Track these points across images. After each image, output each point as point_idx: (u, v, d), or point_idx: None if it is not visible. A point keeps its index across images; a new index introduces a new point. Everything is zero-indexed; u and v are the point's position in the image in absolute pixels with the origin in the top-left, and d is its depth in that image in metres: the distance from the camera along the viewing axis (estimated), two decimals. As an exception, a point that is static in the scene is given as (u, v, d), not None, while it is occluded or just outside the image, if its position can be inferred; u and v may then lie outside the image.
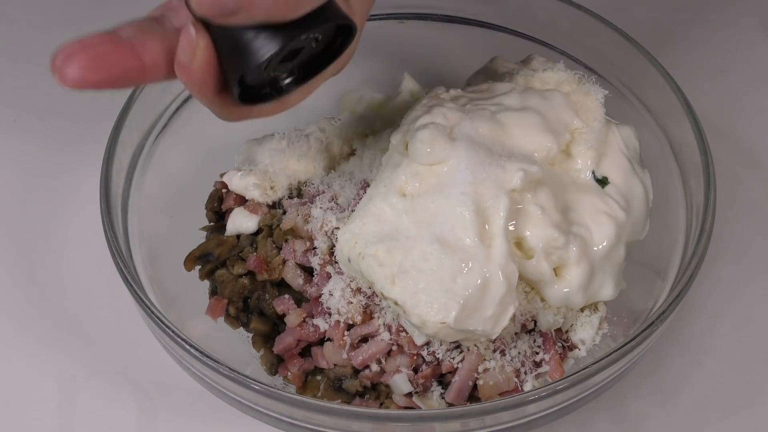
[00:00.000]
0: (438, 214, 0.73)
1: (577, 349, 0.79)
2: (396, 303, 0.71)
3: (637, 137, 0.86)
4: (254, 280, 0.82)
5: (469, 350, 0.75)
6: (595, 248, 0.77)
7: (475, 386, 0.75)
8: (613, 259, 0.79)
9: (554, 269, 0.76)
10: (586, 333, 0.79)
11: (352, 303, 0.77)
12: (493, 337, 0.73)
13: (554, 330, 0.78)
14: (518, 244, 0.75)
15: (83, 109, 1.04)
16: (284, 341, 0.80)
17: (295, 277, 0.80)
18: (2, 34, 1.14)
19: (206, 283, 0.85)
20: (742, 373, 0.86)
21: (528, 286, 0.78)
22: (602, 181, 0.81)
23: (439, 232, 0.73)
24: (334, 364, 0.78)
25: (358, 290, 0.77)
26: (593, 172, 0.81)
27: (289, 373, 0.81)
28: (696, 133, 0.80)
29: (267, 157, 0.87)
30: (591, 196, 0.79)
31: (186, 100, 0.89)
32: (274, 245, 0.82)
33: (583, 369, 0.67)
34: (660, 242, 0.83)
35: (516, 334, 0.77)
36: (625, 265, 0.81)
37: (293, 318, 0.79)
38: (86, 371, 0.86)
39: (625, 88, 0.90)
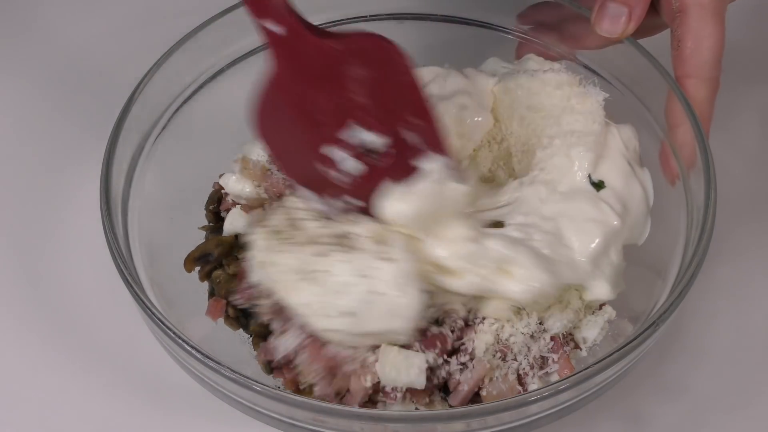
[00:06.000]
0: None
1: (578, 349, 0.79)
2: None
3: (636, 137, 0.86)
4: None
5: (474, 367, 0.75)
6: (572, 247, 0.78)
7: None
8: (605, 261, 0.79)
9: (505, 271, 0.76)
10: (589, 333, 0.79)
11: None
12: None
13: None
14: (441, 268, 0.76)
15: (83, 109, 1.05)
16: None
17: None
18: (2, 36, 1.14)
19: (206, 284, 0.85)
20: (743, 374, 0.86)
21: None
22: (598, 185, 0.81)
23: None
24: None
25: None
26: (589, 176, 0.81)
27: (283, 379, 0.80)
28: (696, 133, 0.80)
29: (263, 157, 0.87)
30: (580, 200, 0.80)
31: (186, 101, 0.89)
32: None
33: (584, 369, 0.68)
34: (660, 243, 0.83)
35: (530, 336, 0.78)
36: (626, 266, 0.81)
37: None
38: (86, 371, 0.86)
39: (624, 88, 0.90)
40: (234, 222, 0.85)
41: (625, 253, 0.82)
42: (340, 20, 0.94)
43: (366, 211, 0.75)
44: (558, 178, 0.81)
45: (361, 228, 0.75)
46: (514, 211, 0.81)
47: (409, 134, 0.73)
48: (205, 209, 0.88)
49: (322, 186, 0.75)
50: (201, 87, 0.91)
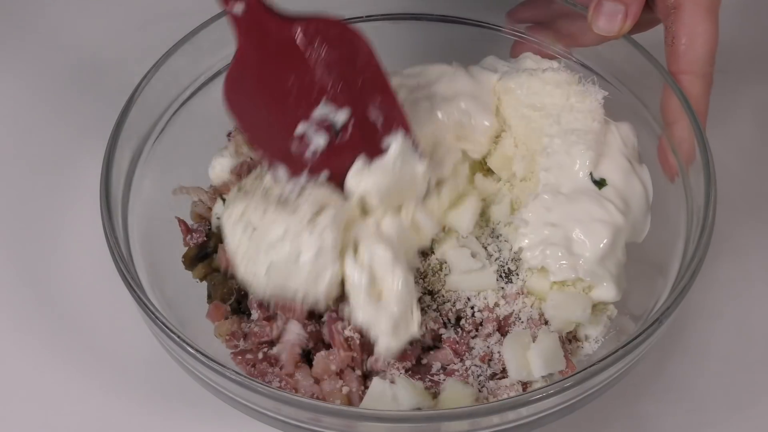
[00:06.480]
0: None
1: (581, 347, 0.79)
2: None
3: (634, 133, 0.86)
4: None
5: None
6: (588, 254, 0.79)
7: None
8: (612, 260, 0.79)
9: None
10: (592, 330, 0.80)
11: None
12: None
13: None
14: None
15: (82, 112, 1.04)
16: None
17: None
18: (2, 36, 1.14)
19: (206, 286, 0.85)
20: (743, 373, 0.87)
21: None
22: (600, 183, 0.81)
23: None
24: None
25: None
26: (591, 174, 0.81)
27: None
28: (696, 130, 0.80)
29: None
30: (584, 201, 0.80)
31: (184, 103, 0.89)
32: None
33: (588, 367, 0.67)
34: (660, 240, 0.83)
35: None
36: (626, 264, 0.81)
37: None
38: (86, 371, 0.86)
39: (621, 86, 0.90)
40: (221, 210, 0.85)
41: (626, 251, 0.82)
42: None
43: (338, 184, 0.78)
44: (560, 178, 0.82)
45: (307, 193, 0.77)
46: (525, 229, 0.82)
47: (372, 111, 0.77)
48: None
49: (292, 162, 0.78)
50: (199, 89, 0.91)
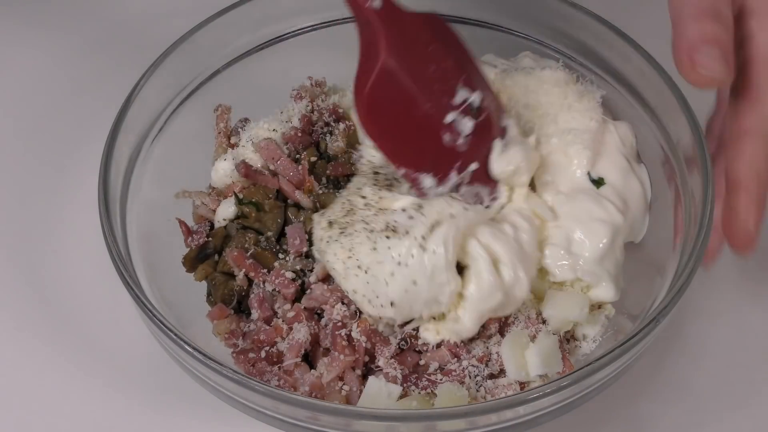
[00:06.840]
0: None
1: (579, 347, 0.79)
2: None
3: (633, 133, 0.86)
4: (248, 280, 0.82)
5: None
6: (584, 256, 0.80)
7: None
8: (611, 260, 0.80)
9: None
10: (589, 330, 0.80)
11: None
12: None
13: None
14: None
15: (81, 111, 1.05)
16: None
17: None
18: (2, 37, 1.14)
19: (204, 284, 0.85)
20: (740, 372, 0.86)
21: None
22: (598, 182, 0.81)
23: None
24: None
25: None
26: (589, 173, 0.81)
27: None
28: (693, 129, 0.80)
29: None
30: (583, 200, 0.81)
31: (182, 102, 0.89)
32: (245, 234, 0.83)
33: (586, 366, 0.68)
34: (658, 239, 0.83)
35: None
36: (624, 263, 0.81)
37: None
38: (86, 371, 0.86)
39: (620, 85, 0.90)
40: (224, 212, 0.85)
41: (624, 250, 0.82)
42: (338, 20, 0.94)
43: (481, 177, 0.79)
44: (558, 178, 0.82)
45: (419, 214, 0.76)
46: None
47: (485, 92, 0.78)
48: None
49: (440, 162, 0.78)
50: (198, 88, 0.91)
